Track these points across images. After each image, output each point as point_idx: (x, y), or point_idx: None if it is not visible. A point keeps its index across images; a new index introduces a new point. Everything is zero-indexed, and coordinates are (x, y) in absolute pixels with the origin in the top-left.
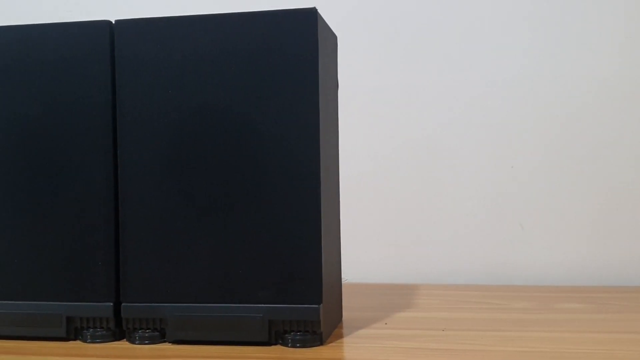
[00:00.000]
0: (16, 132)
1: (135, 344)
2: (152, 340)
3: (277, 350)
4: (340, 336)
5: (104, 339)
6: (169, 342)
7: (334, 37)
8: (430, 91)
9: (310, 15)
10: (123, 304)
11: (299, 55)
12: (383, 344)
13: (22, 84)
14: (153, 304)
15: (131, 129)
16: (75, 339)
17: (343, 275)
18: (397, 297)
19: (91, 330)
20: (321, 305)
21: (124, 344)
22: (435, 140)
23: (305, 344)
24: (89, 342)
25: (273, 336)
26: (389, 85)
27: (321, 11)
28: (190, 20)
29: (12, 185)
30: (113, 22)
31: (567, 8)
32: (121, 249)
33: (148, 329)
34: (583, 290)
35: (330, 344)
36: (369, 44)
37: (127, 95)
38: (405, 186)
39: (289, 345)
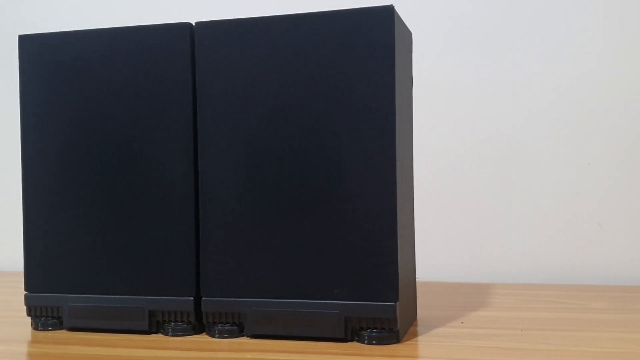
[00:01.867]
0: (100, 133)
1: (215, 337)
2: (231, 334)
3: (353, 347)
4: (416, 334)
5: (185, 333)
6: (247, 336)
7: (409, 34)
8: (506, 88)
9: (387, 13)
10: (203, 299)
11: (375, 53)
12: (460, 343)
13: (104, 86)
14: (232, 299)
15: (211, 129)
16: (156, 332)
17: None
18: (472, 296)
19: (172, 323)
20: (397, 302)
21: (203, 338)
22: (510, 137)
23: (381, 341)
24: (170, 335)
25: (349, 333)
26: (463, 82)
27: (396, 7)
28: (268, 21)
29: (96, 184)
30: (193, 24)
31: None
32: (201, 245)
33: (227, 323)
34: None
35: (407, 342)
36: (444, 40)
37: (207, 95)
38: (480, 184)
39: (365, 342)
